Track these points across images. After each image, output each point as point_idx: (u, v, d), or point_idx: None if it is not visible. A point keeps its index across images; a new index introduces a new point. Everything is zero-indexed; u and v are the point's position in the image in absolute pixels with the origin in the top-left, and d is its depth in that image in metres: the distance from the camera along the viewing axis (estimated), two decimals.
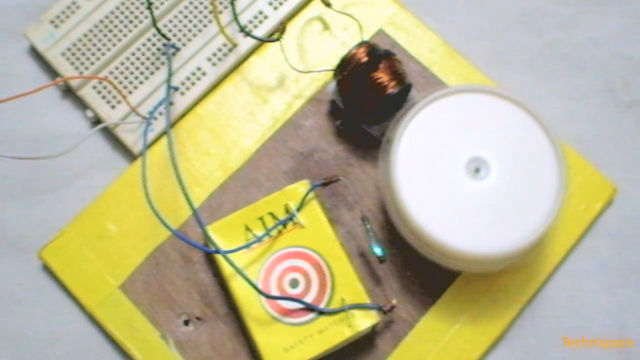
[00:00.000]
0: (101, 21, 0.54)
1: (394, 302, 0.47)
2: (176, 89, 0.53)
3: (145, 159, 0.48)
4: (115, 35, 0.53)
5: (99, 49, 0.53)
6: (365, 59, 0.49)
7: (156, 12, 0.54)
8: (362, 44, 0.50)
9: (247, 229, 0.48)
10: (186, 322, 0.48)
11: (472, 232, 0.45)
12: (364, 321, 0.46)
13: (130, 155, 0.52)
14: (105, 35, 0.53)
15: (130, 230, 0.50)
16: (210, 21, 0.54)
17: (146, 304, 0.48)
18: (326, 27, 0.55)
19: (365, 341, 0.48)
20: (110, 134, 0.53)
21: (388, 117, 0.49)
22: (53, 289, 0.50)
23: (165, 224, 0.45)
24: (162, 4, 0.54)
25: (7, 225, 0.51)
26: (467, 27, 0.56)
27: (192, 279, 0.49)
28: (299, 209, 0.48)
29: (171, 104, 0.52)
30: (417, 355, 0.47)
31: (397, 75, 0.49)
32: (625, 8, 0.56)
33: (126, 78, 0.53)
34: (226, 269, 0.46)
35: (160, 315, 0.48)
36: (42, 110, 0.53)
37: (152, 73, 0.53)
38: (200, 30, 0.54)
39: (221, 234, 0.47)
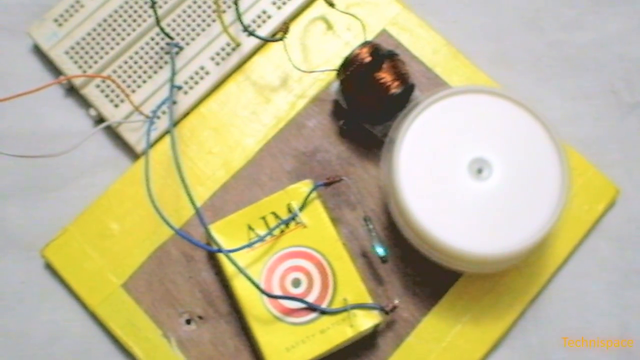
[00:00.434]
0: (105, 20, 0.54)
1: (396, 302, 0.47)
2: (179, 88, 0.53)
3: (148, 157, 0.48)
4: (118, 34, 0.54)
5: (102, 48, 0.53)
6: (368, 59, 0.49)
7: (160, 11, 0.54)
8: (365, 44, 0.50)
9: (250, 228, 0.48)
10: (188, 321, 0.48)
11: (474, 232, 0.45)
12: (366, 321, 0.46)
13: (133, 154, 0.52)
14: (108, 34, 0.53)
15: (132, 229, 0.50)
16: (213, 20, 0.54)
17: (148, 302, 0.48)
18: (329, 27, 0.55)
19: (367, 341, 0.48)
20: (113, 133, 0.53)
21: (391, 118, 0.49)
22: (55, 287, 0.50)
23: (167, 223, 0.45)
24: (165, 2, 0.54)
25: (9, 224, 0.51)
26: (470, 28, 0.56)
27: (194, 278, 0.49)
28: (301, 209, 0.48)
29: (174, 103, 0.52)
30: (419, 356, 0.47)
31: (400, 76, 0.49)
32: (628, 9, 0.56)
33: (129, 77, 0.53)
34: (228, 268, 0.46)
35: (162, 314, 0.48)
36: (45, 109, 0.54)
37: (155, 72, 0.53)
38: (203, 30, 0.54)
39: (224, 233, 0.47)
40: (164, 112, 0.52)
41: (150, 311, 0.48)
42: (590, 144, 0.53)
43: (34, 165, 0.51)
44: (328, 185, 0.49)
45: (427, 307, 0.48)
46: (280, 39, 0.52)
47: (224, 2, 0.55)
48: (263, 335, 0.45)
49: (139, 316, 0.48)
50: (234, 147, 0.52)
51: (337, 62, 0.51)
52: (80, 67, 0.53)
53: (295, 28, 0.55)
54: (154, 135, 0.51)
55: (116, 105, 0.52)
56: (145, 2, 0.54)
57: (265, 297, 0.46)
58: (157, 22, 0.51)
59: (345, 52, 0.50)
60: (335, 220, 0.49)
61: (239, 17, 0.52)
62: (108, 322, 0.48)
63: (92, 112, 0.53)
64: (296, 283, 0.47)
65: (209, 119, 0.53)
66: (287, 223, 0.48)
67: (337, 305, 0.46)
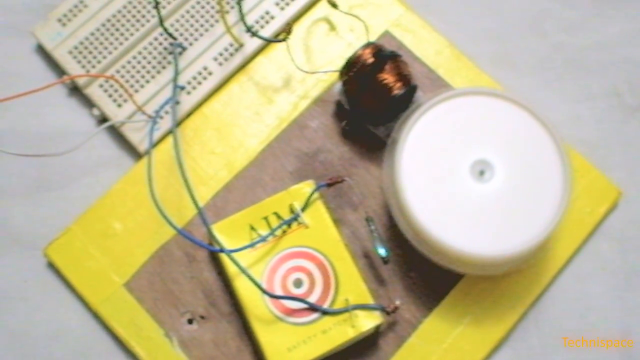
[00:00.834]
0: (108, 20, 0.54)
1: (398, 303, 0.47)
2: (182, 88, 0.53)
3: (151, 157, 0.48)
4: (122, 34, 0.54)
5: (105, 48, 0.53)
6: (371, 60, 0.49)
7: (163, 12, 0.54)
8: (368, 45, 0.50)
9: (252, 228, 0.48)
10: (190, 321, 0.48)
11: (476, 234, 0.45)
12: (368, 322, 0.46)
13: (136, 154, 0.52)
14: (112, 34, 0.54)
15: (135, 229, 0.50)
16: (217, 21, 0.54)
17: (150, 302, 0.48)
18: (332, 28, 0.55)
19: (369, 342, 0.48)
20: (116, 133, 0.53)
21: (393, 119, 0.50)
22: (58, 286, 0.50)
23: (170, 223, 0.45)
24: (169, 3, 0.54)
25: (12, 222, 0.51)
26: (473, 30, 0.56)
27: (196, 278, 0.49)
28: (303, 209, 0.48)
29: (177, 103, 0.52)
30: (420, 357, 0.47)
31: (403, 77, 0.49)
32: (631, 11, 0.56)
33: (133, 77, 0.53)
34: (230, 268, 0.46)
35: (164, 314, 0.48)
36: (49, 108, 0.54)
37: (158, 72, 0.53)
38: (207, 30, 0.54)
39: (226, 233, 0.47)
40: (167, 112, 0.52)
41: (152, 311, 0.48)
42: (593, 146, 0.53)
43: (37, 164, 0.52)
44: (330, 186, 0.49)
45: (428, 308, 0.48)
46: (283, 40, 0.52)
47: (227, 3, 0.55)
48: (265, 335, 0.46)
49: (141, 316, 0.48)
50: (236, 148, 0.52)
51: (340, 63, 0.51)
52: (83, 66, 0.53)
53: (298, 29, 0.55)
54: (156, 135, 0.51)
55: (119, 105, 0.52)
56: (149, 3, 0.54)
57: (267, 297, 0.46)
58: (161, 22, 0.51)
59: (348, 53, 0.50)
60: (337, 221, 0.50)
61: (242, 17, 0.52)
62: (110, 321, 0.48)
63: (96, 111, 0.53)
64: (298, 283, 0.47)
65: (212, 119, 0.53)
66: (289, 223, 0.48)
67: (338, 305, 0.46)
